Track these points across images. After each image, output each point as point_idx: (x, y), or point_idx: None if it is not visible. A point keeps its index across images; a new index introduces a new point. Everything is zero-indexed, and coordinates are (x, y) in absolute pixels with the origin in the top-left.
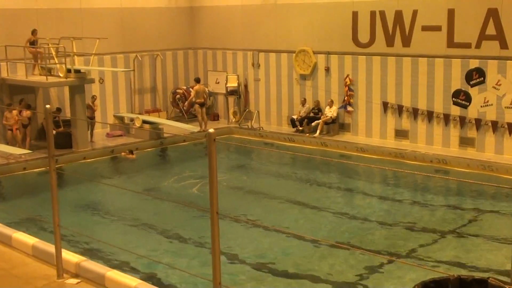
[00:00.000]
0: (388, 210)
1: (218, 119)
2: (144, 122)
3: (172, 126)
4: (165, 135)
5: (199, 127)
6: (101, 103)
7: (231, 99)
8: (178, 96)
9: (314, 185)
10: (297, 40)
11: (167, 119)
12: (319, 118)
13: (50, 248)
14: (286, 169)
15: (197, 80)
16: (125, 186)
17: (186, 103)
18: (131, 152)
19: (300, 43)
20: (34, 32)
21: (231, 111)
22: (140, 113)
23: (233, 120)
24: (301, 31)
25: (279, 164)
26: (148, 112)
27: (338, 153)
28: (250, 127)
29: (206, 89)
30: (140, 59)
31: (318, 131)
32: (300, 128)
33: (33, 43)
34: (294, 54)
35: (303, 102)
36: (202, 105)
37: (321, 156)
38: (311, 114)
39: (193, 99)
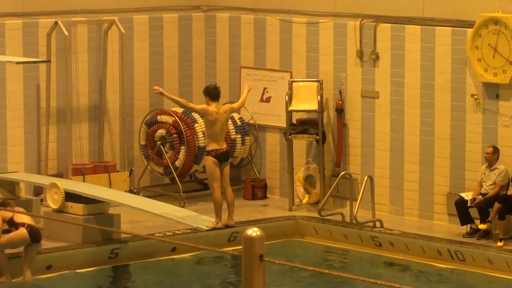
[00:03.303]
0: None
1: (265, 196)
2: (70, 197)
3: (143, 213)
4: (124, 235)
5: (216, 220)
6: None
7: (300, 144)
8: (161, 132)
9: None
10: None
11: (130, 191)
12: None
13: None
14: None
15: (212, 93)
16: None
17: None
18: None
19: (487, 4)
20: None
21: (299, 175)
22: (59, 174)
23: (306, 199)
24: None
25: None
26: (80, 171)
27: None
28: (351, 219)
29: (234, 115)
30: (67, 33)
31: None
32: (483, 226)
33: None
34: (470, 32)
35: (492, 158)
36: (224, 158)
37: None
38: None
39: (200, 140)
